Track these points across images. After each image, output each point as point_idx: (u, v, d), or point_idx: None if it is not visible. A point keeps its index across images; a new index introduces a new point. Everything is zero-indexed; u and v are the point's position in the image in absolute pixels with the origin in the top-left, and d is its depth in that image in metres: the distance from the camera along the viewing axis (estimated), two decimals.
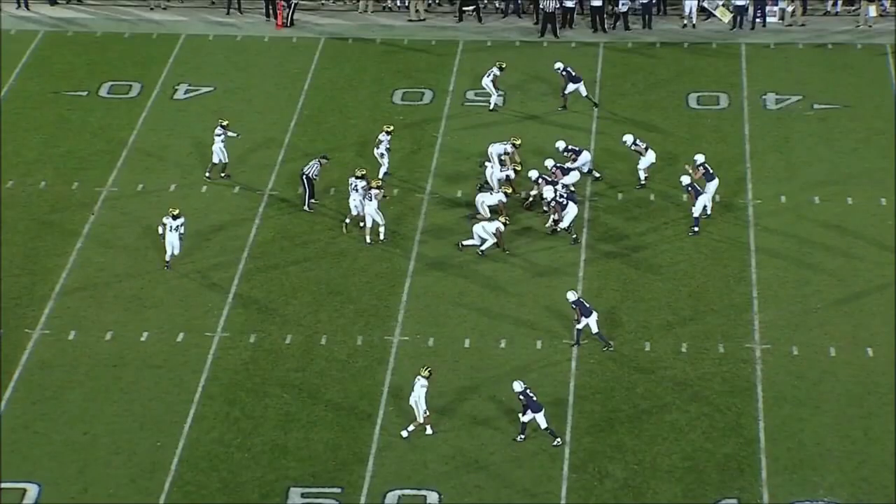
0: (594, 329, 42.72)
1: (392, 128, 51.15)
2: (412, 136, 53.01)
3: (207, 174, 50.56)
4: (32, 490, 38.26)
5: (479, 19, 60.96)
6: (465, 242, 46.70)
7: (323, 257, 47.01)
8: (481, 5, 61.09)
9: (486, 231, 46.50)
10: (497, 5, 61.73)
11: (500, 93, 54.40)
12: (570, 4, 60.46)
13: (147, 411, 41.01)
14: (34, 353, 42.94)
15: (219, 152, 50.33)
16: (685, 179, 47.26)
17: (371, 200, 46.75)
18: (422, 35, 60.21)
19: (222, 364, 42.71)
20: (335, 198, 49.28)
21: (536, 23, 60.58)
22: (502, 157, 49.24)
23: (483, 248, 46.56)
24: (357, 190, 47.55)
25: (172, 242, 45.73)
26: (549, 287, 45.61)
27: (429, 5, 62.01)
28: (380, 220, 47.04)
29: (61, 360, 42.80)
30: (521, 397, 39.27)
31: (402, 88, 56.37)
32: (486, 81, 54.03)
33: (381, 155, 50.69)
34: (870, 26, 60.04)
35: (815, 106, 55.01)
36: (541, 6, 59.94)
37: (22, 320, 44.13)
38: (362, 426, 40.45)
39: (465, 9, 61.05)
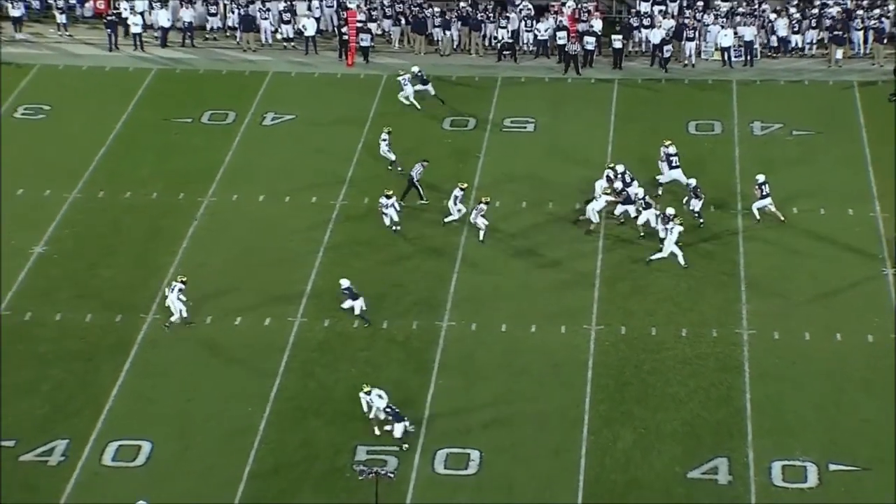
0: (356, 311, 43.21)
1: (390, 128, 52.08)
2: (458, 156, 52.91)
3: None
4: (146, 446, 38.50)
5: (515, 59, 60.89)
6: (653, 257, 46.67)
7: (384, 256, 47.03)
8: (517, 48, 60.98)
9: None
10: (529, 48, 61.59)
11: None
12: (590, 47, 60.38)
13: (238, 383, 41.19)
14: (147, 334, 43.14)
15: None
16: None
17: (478, 212, 47.21)
18: (466, 72, 60.13)
19: (301, 344, 42.81)
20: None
21: (560, 62, 60.47)
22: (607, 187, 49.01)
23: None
24: (391, 207, 47.89)
25: (176, 305, 43.87)
26: (571, 282, 45.59)
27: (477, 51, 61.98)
28: (482, 225, 47.35)
29: (168, 340, 42.97)
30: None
31: (451, 117, 56.23)
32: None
33: (387, 150, 51.61)
34: (839, 66, 59.82)
35: (794, 132, 54.81)
36: (565, 49, 59.87)
37: (137, 307, 44.27)
38: (417, 396, 40.52)
39: (504, 52, 61.03)
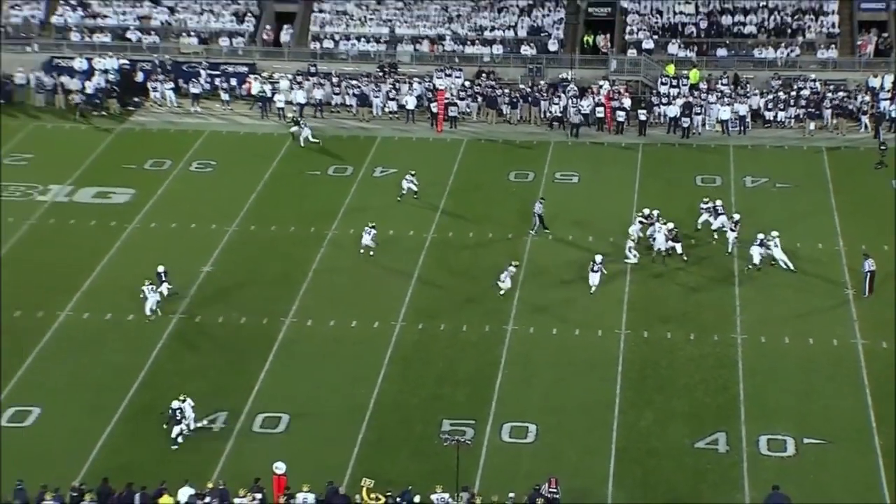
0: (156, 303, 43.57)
1: (414, 172, 52.58)
2: (521, 201, 52.66)
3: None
4: (285, 418, 38.70)
5: (563, 128, 60.71)
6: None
7: (463, 274, 46.96)
8: (565, 119, 60.78)
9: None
10: (574, 120, 61.47)
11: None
12: (621, 119, 60.18)
13: (353, 371, 41.20)
14: (285, 334, 43.24)
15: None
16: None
17: (660, 233, 47.02)
18: (527, 138, 59.95)
19: (402, 342, 42.80)
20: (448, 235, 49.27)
21: (600, 129, 60.35)
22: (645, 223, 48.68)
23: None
24: (367, 233, 47.80)
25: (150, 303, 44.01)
26: (605, 297, 45.30)
27: (536, 121, 61.91)
28: (663, 247, 47.30)
29: (301, 339, 43.10)
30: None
31: (514, 170, 56.10)
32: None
33: (411, 185, 52.18)
34: (811, 135, 59.31)
35: (777, 185, 54.23)
36: (569, 119, 59.85)
37: (278, 312, 44.42)
38: (488, 382, 40.45)
39: (553, 122, 60.90)
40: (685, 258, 47.51)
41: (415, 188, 52.50)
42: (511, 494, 34.16)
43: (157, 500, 34.33)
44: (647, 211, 49.06)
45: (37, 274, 46.21)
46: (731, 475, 36.29)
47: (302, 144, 58.10)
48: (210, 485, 34.75)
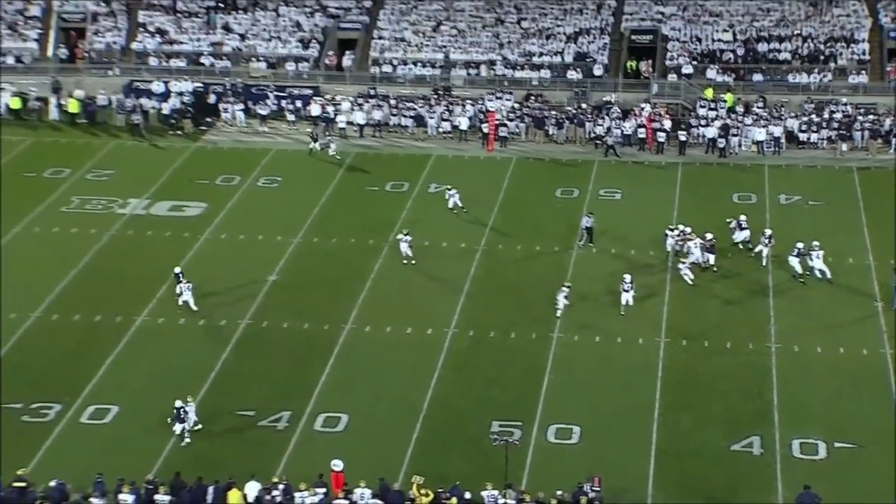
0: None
1: (451, 187, 52.86)
2: (566, 216, 52.59)
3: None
4: (344, 418, 38.83)
5: (599, 147, 60.60)
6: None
7: (510, 284, 46.89)
8: (602, 140, 60.62)
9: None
10: (617, 140, 61.21)
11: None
12: (661, 140, 60.00)
13: (408, 374, 41.27)
14: (345, 339, 43.38)
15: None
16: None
17: (696, 248, 46.52)
18: (573, 157, 59.88)
19: (453, 348, 42.81)
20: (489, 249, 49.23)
21: (642, 149, 60.16)
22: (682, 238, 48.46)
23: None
24: (404, 242, 48.01)
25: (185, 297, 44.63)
26: (645, 306, 45.15)
27: (581, 141, 61.79)
28: (700, 259, 47.16)
29: (360, 344, 43.20)
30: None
31: (560, 187, 56.03)
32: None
33: (454, 199, 52.41)
34: (843, 156, 58.84)
35: (810, 202, 53.91)
36: (605, 139, 59.53)
37: (339, 319, 44.55)
38: (535, 386, 40.42)
39: (597, 142, 60.75)
40: (715, 269, 47.22)
41: (459, 203, 52.48)
42: (558, 492, 34.08)
43: (226, 494, 34.57)
44: (682, 226, 48.83)
45: (116, 281, 46.67)
46: (765, 476, 36.03)
47: (331, 154, 58.49)
48: (275, 479, 34.94)
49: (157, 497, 34.29)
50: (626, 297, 44.48)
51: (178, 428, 37.70)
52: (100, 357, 41.92)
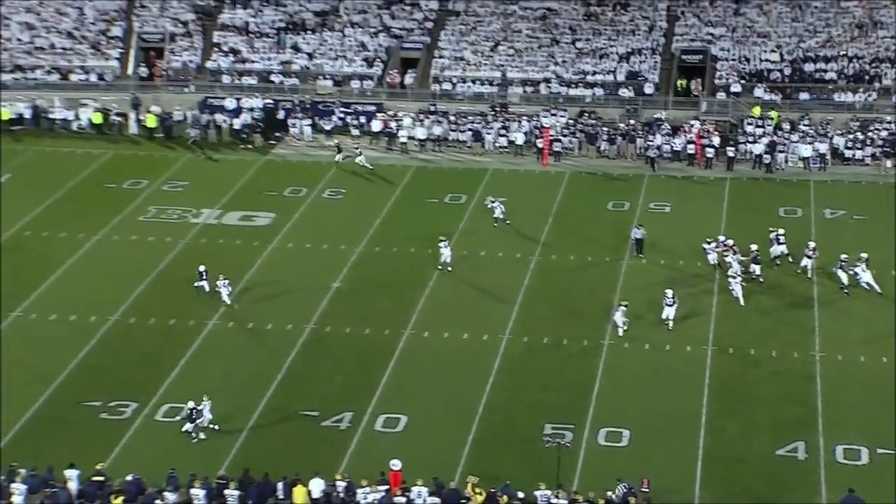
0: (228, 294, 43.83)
1: (494, 199, 52.63)
2: (617, 228, 52.32)
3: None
4: (404, 419, 38.85)
5: (646, 161, 60.16)
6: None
7: (562, 292, 46.69)
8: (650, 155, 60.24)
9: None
10: (666, 156, 60.82)
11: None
12: (710, 156, 59.57)
13: (465, 378, 41.14)
14: (404, 345, 43.39)
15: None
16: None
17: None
18: (624, 171, 59.60)
19: (508, 353, 42.76)
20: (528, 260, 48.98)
21: (691, 164, 59.71)
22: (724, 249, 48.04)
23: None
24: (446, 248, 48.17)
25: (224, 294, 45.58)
26: (693, 315, 44.85)
27: (632, 156, 61.51)
28: (738, 271, 46.50)
29: (419, 349, 43.20)
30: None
31: (612, 200, 55.79)
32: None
33: (500, 212, 52.06)
34: (886, 172, 58.12)
35: (854, 217, 53.29)
36: (648, 153, 59.14)
37: (399, 324, 44.59)
38: (586, 391, 40.19)
39: (647, 157, 60.42)
40: (761, 280, 46.75)
41: (502, 214, 52.41)
42: (609, 493, 33.88)
43: (292, 490, 34.70)
44: (722, 238, 48.41)
45: (189, 287, 47.03)
46: (809, 480, 35.61)
47: (365, 165, 58.72)
48: (338, 477, 35.03)
49: (226, 492, 34.50)
50: (668, 312, 43.92)
51: (189, 427, 37.76)
52: (174, 359, 42.28)
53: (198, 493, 34.38)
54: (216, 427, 38.10)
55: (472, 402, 39.60)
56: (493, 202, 52.96)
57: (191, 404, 37.86)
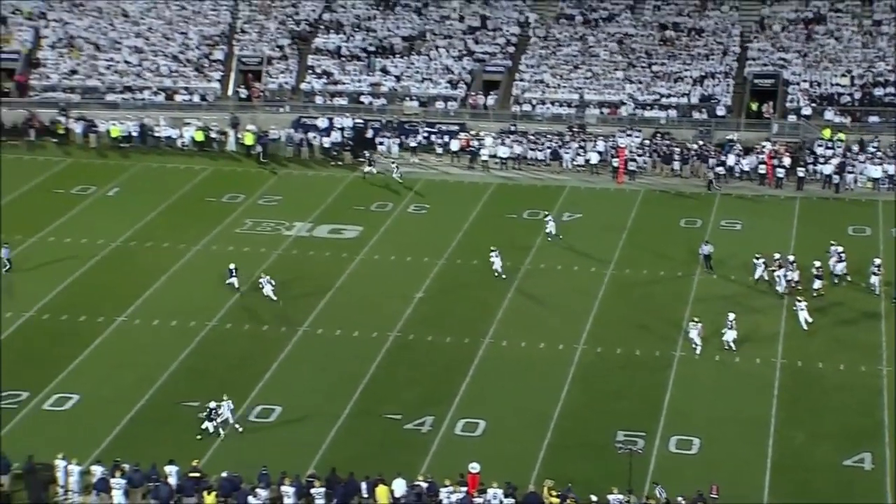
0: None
1: (548, 213, 52.36)
2: (689, 243, 51.61)
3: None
4: (482, 423, 38.70)
5: (719, 180, 59.31)
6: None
7: (639, 307, 46.19)
8: (732, 174, 59.34)
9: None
10: (738, 175, 59.89)
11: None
12: (780, 175, 58.71)
13: (541, 386, 40.83)
14: (483, 353, 43.22)
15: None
16: None
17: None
18: (696, 189, 58.89)
19: (582, 362, 42.47)
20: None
21: (762, 184, 58.83)
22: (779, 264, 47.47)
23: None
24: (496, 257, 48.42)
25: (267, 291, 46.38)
26: (761, 328, 44.15)
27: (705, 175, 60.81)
28: (783, 286, 46.30)
29: (497, 357, 43.00)
30: None
31: (684, 218, 55.16)
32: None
33: (550, 224, 51.92)
34: None
35: None
36: (774, 176, 58.14)
37: (478, 333, 44.43)
38: (658, 400, 39.69)
39: (719, 177, 59.64)
40: (822, 294, 46.13)
41: (555, 231, 52.00)
42: (679, 498, 33.37)
43: (375, 489, 34.71)
44: (777, 255, 47.58)
45: (282, 295, 47.33)
46: (875, 491, 34.79)
47: (398, 179, 58.99)
48: (420, 478, 34.97)
49: (312, 490, 34.61)
50: (730, 335, 42.64)
51: (208, 426, 37.83)
52: (266, 362, 42.56)
53: (287, 490, 34.53)
54: (240, 428, 38.21)
55: (548, 409, 39.33)
56: (548, 218, 52.63)
57: (212, 404, 38.04)
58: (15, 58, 70.77)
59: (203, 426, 37.84)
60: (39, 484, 34.94)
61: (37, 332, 44.44)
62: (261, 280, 46.60)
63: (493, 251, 48.75)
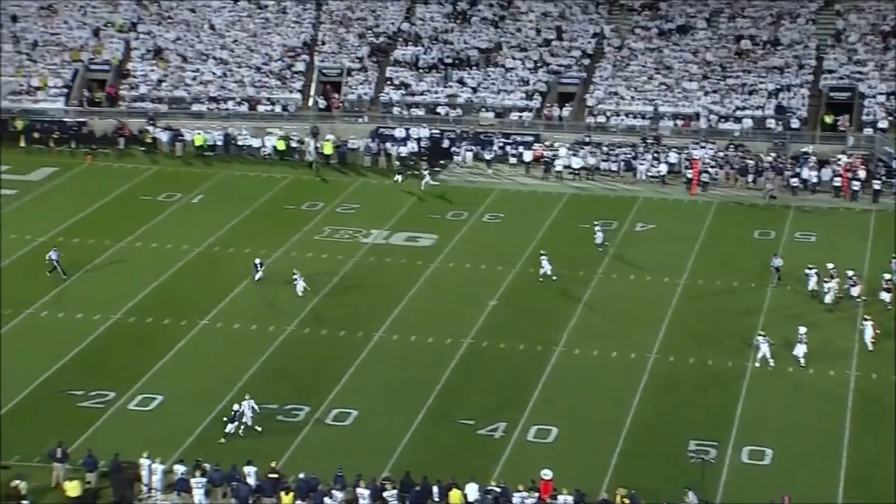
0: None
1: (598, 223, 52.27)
2: (763, 255, 50.85)
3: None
4: (555, 430, 38.49)
5: (793, 193, 58.43)
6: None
7: (712, 318, 45.71)
8: (803, 187, 58.46)
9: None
10: (812, 187, 58.99)
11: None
12: (855, 188, 57.63)
13: (613, 395, 40.67)
14: (556, 361, 43.07)
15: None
16: None
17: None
18: (762, 201, 58.06)
19: (655, 371, 42.12)
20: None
21: (837, 196, 57.91)
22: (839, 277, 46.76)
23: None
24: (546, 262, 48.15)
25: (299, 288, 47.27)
26: (836, 338, 43.46)
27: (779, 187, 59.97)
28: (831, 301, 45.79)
29: (569, 364, 42.82)
30: None
31: (758, 229, 54.42)
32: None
33: (599, 235, 51.57)
34: None
35: None
36: (849, 189, 57.17)
37: (549, 341, 44.29)
38: (730, 410, 39.29)
39: (793, 189, 58.72)
40: (889, 307, 45.45)
41: (601, 240, 51.82)
42: None
43: (448, 493, 34.73)
44: (829, 266, 46.97)
45: (359, 301, 47.66)
46: None
47: (423, 189, 59.33)
48: (493, 483, 34.91)
49: (385, 494, 34.70)
50: (800, 350, 41.81)
51: (229, 427, 37.90)
52: (343, 366, 42.84)
53: (363, 492, 34.69)
54: (258, 429, 38.33)
55: (620, 417, 39.07)
56: (598, 227, 52.26)
57: (236, 406, 38.20)
58: (106, 69, 72.21)
59: (226, 429, 38.07)
60: (125, 482, 35.51)
61: (123, 334, 45.23)
62: (294, 276, 47.04)
63: (542, 255, 48.68)
